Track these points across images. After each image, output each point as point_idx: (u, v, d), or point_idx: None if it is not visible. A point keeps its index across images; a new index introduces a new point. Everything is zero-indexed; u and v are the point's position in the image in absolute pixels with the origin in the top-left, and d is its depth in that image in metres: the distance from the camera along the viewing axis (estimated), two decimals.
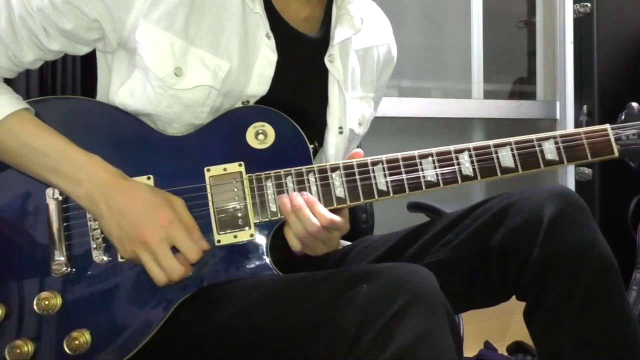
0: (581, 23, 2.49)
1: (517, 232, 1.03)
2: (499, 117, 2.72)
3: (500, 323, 2.21)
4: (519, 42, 3.08)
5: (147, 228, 0.94)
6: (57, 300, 0.98)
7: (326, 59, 1.13)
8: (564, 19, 2.69)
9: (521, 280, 1.03)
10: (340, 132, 1.16)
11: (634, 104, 1.10)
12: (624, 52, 2.45)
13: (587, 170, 2.43)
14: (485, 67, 2.81)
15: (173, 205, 0.97)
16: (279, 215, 1.02)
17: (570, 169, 2.57)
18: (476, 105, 2.72)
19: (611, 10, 2.44)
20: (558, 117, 2.77)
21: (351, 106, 1.19)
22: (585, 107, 2.44)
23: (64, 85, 1.38)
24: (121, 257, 0.99)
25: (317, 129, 1.14)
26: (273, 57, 1.07)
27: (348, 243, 1.22)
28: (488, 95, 2.86)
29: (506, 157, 1.05)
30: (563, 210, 1.01)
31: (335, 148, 1.15)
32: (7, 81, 1.08)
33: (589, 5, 2.43)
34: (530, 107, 2.82)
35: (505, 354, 2.16)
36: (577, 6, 2.48)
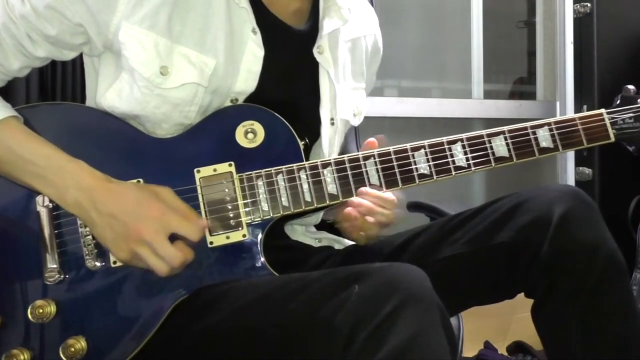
0: (581, 23, 2.48)
1: (527, 228, 1.03)
2: (499, 117, 2.71)
3: (500, 323, 2.21)
4: (519, 42, 3.08)
5: (141, 223, 0.93)
6: (52, 308, 0.97)
7: (315, 51, 1.13)
8: (564, 19, 2.69)
9: (530, 275, 1.03)
10: (332, 124, 1.16)
11: (630, 87, 1.09)
12: (624, 52, 2.45)
13: (587, 170, 2.43)
14: (485, 67, 2.81)
15: (161, 197, 0.96)
16: (271, 215, 1.02)
17: (571, 169, 2.56)
18: (476, 105, 2.72)
19: (611, 10, 2.44)
20: (558, 117, 2.76)
21: (343, 97, 1.19)
22: (585, 107, 2.44)
23: (63, 88, 1.38)
24: (114, 263, 0.98)
25: (309, 123, 1.14)
26: (260, 52, 1.07)
27: (352, 242, 1.22)
28: (488, 95, 2.85)
29: (500, 147, 1.04)
30: (573, 208, 1.01)
31: (328, 140, 1.15)
32: (8, 83, 1.08)
33: (589, 5, 2.43)
34: (530, 107, 2.82)
35: (505, 354, 2.16)
36: (577, 6, 2.48)
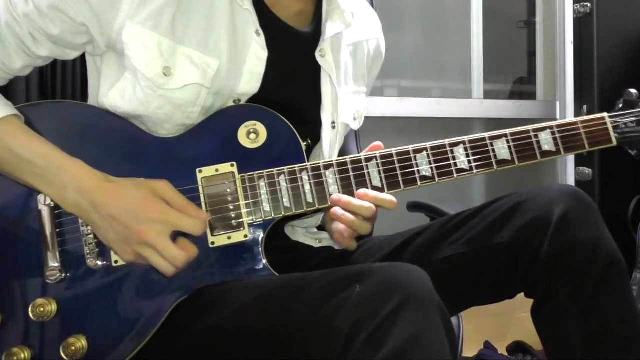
0: (581, 23, 2.48)
1: (527, 228, 1.03)
2: (499, 117, 2.72)
3: (500, 323, 2.21)
4: (519, 42, 3.08)
5: (142, 225, 0.93)
6: (53, 307, 0.97)
7: (317, 54, 1.13)
8: (564, 19, 2.69)
9: (530, 275, 1.04)
10: (333, 127, 1.16)
11: (633, 91, 1.08)
12: (624, 52, 2.45)
13: (587, 170, 2.43)
14: (485, 67, 2.81)
15: (159, 193, 0.96)
16: (273, 215, 1.02)
17: (571, 169, 2.57)
18: (476, 105, 2.72)
19: (611, 10, 2.44)
20: (558, 117, 2.77)
21: (344, 101, 1.19)
22: (585, 107, 2.44)
23: (63, 87, 1.38)
24: (115, 262, 0.98)
25: (311, 125, 1.14)
26: (263, 54, 1.06)
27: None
28: (488, 95, 2.85)
29: (502, 149, 1.04)
30: (572, 208, 1.02)
31: (329, 143, 1.15)
32: (8, 82, 1.08)
33: (589, 5, 2.43)
34: (530, 107, 2.82)
35: (505, 354, 2.16)
36: (577, 6, 2.48)
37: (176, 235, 0.95)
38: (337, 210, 1.04)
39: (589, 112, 2.41)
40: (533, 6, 2.99)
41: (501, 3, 3.07)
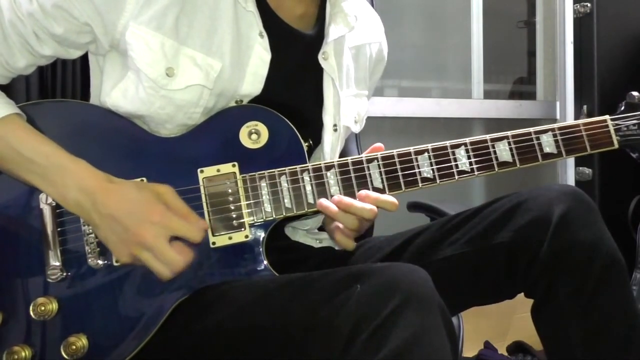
0: (581, 23, 2.48)
1: (527, 228, 1.03)
2: (499, 117, 2.72)
3: (500, 323, 2.21)
4: (519, 42, 3.08)
5: (141, 228, 0.93)
6: (53, 306, 0.98)
7: (320, 57, 1.13)
8: (564, 19, 2.69)
9: (530, 275, 1.04)
10: (335, 130, 1.16)
11: (635, 93, 1.08)
12: (624, 52, 2.45)
13: (587, 170, 2.43)
14: (485, 67, 2.81)
15: (162, 197, 0.96)
16: (274, 216, 1.02)
17: (571, 169, 2.57)
18: (476, 105, 2.72)
19: (611, 10, 2.44)
20: (558, 117, 2.77)
21: (346, 104, 1.19)
22: (585, 107, 2.44)
23: (63, 86, 1.38)
24: (116, 261, 0.98)
25: (312, 127, 1.14)
26: (267, 56, 1.07)
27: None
28: (488, 95, 2.85)
29: (503, 152, 1.04)
30: (572, 208, 1.02)
31: (330, 145, 1.15)
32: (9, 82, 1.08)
33: (589, 5, 2.43)
34: (530, 107, 2.82)
35: (505, 354, 2.16)
36: (577, 6, 2.48)
37: (173, 240, 0.95)
38: (336, 209, 1.03)
39: (589, 112, 2.41)
40: (533, 6, 2.99)
41: (501, 3, 3.07)
